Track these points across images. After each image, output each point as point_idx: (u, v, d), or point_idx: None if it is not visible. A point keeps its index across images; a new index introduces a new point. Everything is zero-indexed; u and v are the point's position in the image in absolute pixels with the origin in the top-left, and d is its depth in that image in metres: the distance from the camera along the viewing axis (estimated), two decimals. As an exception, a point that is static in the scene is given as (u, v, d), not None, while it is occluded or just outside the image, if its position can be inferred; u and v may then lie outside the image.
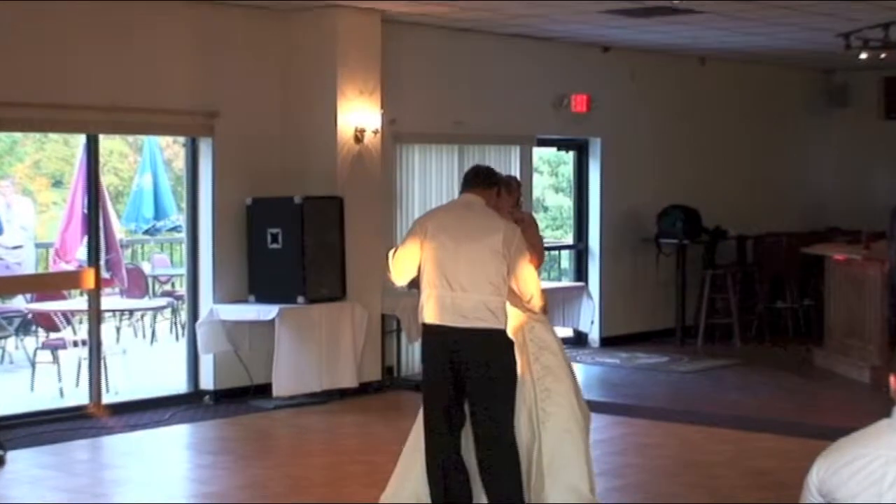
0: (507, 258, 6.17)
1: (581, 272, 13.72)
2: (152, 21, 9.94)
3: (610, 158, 13.83)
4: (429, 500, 6.34)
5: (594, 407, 7.18)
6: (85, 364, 10.25)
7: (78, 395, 10.25)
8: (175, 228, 14.78)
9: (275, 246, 10.31)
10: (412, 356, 11.73)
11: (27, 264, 13.14)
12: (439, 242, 6.22)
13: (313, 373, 10.28)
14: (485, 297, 6.13)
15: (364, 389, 10.79)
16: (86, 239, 10.61)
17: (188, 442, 9.41)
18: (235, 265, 10.51)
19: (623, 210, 13.96)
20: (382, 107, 10.95)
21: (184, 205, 11.02)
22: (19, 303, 12.32)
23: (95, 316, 10.02)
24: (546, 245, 7.99)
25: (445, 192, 12.08)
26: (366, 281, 10.84)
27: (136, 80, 9.86)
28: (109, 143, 16.97)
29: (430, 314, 6.24)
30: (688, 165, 14.64)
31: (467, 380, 6.17)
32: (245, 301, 10.44)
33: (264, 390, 10.28)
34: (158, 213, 14.62)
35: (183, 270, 11.53)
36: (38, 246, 13.64)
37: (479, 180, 6.47)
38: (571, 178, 14.21)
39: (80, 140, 10.72)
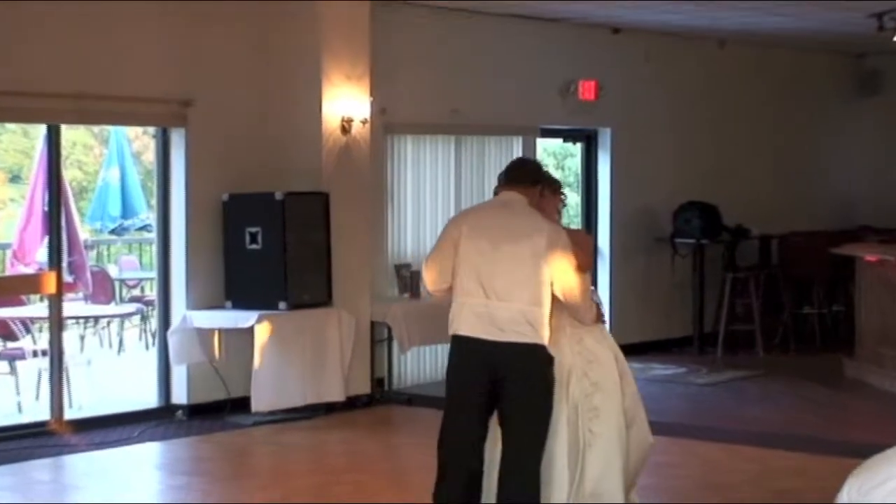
0: (550, 264, 6.07)
1: (591, 274, 13.70)
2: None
3: (621, 150, 13.83)
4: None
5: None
6: (45, 376, 10.23)
7: (38, 410, 10.23)
8: (144, 228, 14.78)
9: (254, 246, 10.30)
10: (404, 367, 11.73)
11: (-18, 267, 13.14)
12: (475, 245, 6.11)
13: (296, 386, 10.27)
14: (524, 307, 6.04)
15: (352, 404, 10.77)
16: (46, 239, 10.60)
17: (159, 462, 9.39)
18: (211, 268, 10.50)
19: (635, 207, 13.97)
20: (372, 94, 10.95)
21: (154, 202, 11.00)
22: (-27, 309, 12.31)
23: (57, 323, 10.00)
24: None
25: (441, 188, 12.08)
26: (354, 285, 10.83)
27: (101, 65, 9.85)
28: (72, 134, 16.96)
29: (462, 325, 6.14)
30: (706, 158, 14.64)
31: (501, 398, 6.10)
32: (221, 307, 10.43)
33: (242, 405, 10.26)
34: (126, 210, 14.61)
35: (153, 274, 11.51)
36: (-7, 247, 13.64)
37: (522, 176, 6.36)
38: (579, 171, 14.21)
39: (41, 131, 10.70)
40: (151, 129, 10.96)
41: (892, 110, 16.15)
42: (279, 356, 10.18)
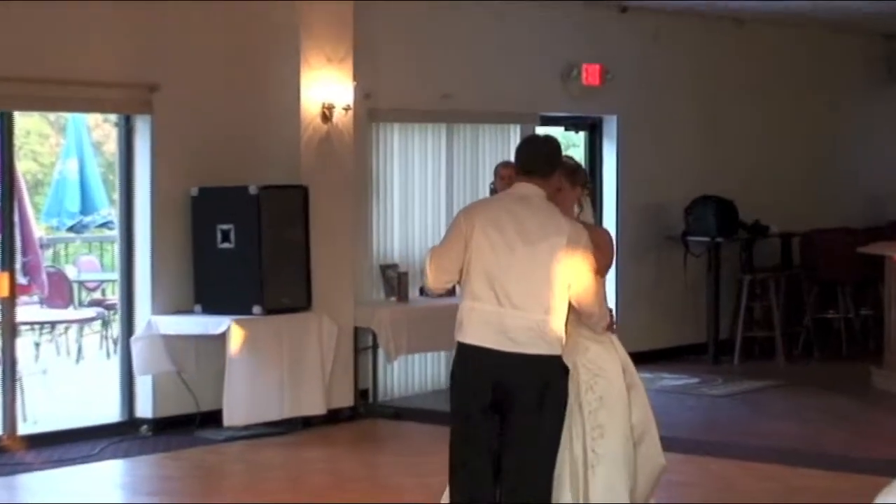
0: (568, 267, 6.02)
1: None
2: (78, -25, 9.93)
3: (628, 140, 13.83)
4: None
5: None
6: (-3, 388, 10.23)
7: (-11, 426, 10.23)
8: (106, 225, 14.74)
9: (226, 245, 10.29)
10: (391, 378, 11.72)
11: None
12: (488, 244, 6.05)
13: (272, 398, 10.27)
14: (540, 316, 6.00)
15: (333, 418, 10.77)
16: (-2, 237, 10.58)
17: (122, 481, 9.39)
18: (178, 269, 10.49)
19: (644, 202, 13.97)
20: (355, 78, 10.94)
21: (116, 196, 10.98)
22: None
23: (9, 329, 9.97)
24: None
25: (431, 181, 12.07)
26: (335, 287, 10.82)
27: (57, 45, 9.82)
28: (26, 122, 16.91)
29: (469, 333, 6.07)
30: (721, 149, 14.64)
31: (508, 415, 6.06)
32: (190, 312, 10.42)
33: (213, 419, 10.25)
34: (86, 206, 14.58)
35: (115, 275, 11.50)
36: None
37: (539, 163, 6.20)
38: (582, 163, 14.19)
39: (-9, 118, 10.68)
40: (113, 117, 10.93)
41: (924, 96, 16.20)
42: (254, 365, 10.16)
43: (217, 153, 10.62)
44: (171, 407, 10.47)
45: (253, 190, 10.21)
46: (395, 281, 11.51)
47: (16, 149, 10.58)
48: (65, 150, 14.75)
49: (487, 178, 11.81)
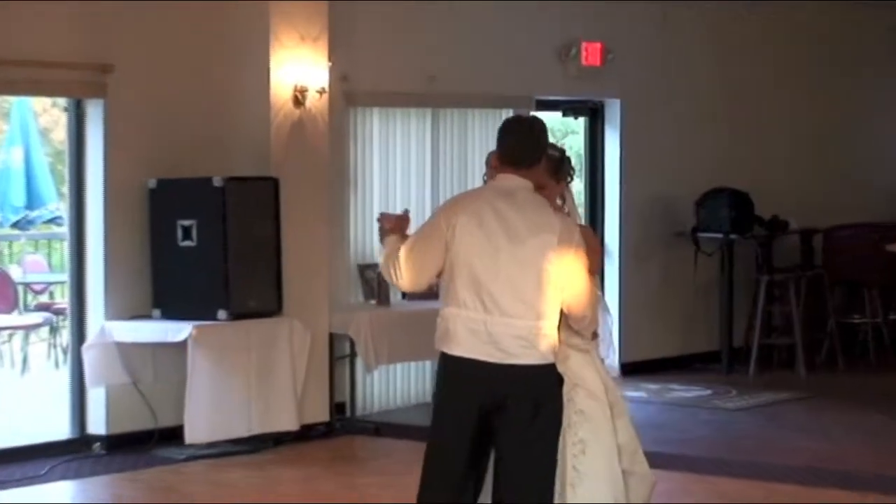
0: (560, 268, 6.00)
1: (595, 277, 13.74)
2: (23, -57, 9.91)
3: (632, 126, 13.84)
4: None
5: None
6: (-67, 401, 10.22)
7: (-76, 443, 10.22)
8: (54, 221, 14.73)
9: (187, 243, 10.28)
10: (371, 390, 11.72)
11: None
12: (473, 244, 6.02)
13: (239, 412, 10.25)
14: (532, 322, 5.99)
15: (306, 434, 10.77)
16: (-66, 235, 10.57)
17: (72, 505, 9.36)
18: (135, 269, 10.47)
19: (650, 194, 13.98)
20: (330, 58, 10.93)
21: (66, 189, 10.97)
22: None
23: (-53, 337, 9.97)
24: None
25: (415, 172, 12.07)
26: (309, 290, 10.82)
27: None
28: (-34, 108, 16.91)
29: (454, 343, 6.06)
30: (736, 136, 14.66)
31: (500, 433, 6.06)
32: (148, 317, 10.41)
33: (173, 436, 10.24)
34: (32, 200, 14.57)
35: (65, 276, 11.47)
36: None
37: (524, 152, 6.13)
38: (582, 152, 14.22)
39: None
40: (62, 101, 10.91)
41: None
42: (218, 376, 10.15)
43: (178, 141, 10.60)
44: (127, 422, 10.45)
45: (217, 182, 10.20)
46: (375, 282, 11.49)
47: (-47, 137, 10.58)
48: (8, 138, 14.72)
49: (477, 168, 11.80)
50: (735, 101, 14.67)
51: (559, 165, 6.46)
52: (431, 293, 7.46)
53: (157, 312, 10.40)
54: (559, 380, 6.14)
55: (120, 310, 10.42)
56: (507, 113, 12.53)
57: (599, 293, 6.47)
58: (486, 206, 6.10)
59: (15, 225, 14.92)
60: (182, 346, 10.06)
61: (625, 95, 13.79)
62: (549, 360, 6.05)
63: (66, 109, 10.71)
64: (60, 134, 13.44)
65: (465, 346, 6.03)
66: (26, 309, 14.46)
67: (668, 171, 14.06)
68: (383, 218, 6.43)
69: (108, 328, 10.28)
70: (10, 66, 9.87)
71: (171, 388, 10.33)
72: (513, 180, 6.14)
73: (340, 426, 11.22)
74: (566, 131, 16.73)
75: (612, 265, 13.81)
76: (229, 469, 9.97)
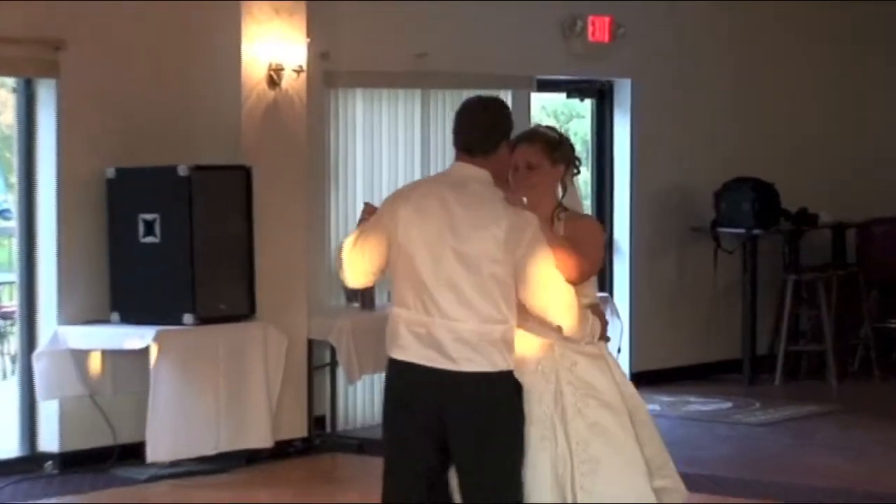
0: (512, 264, 6.00)
1: (603, 277, 13.73)
2: None
3: (644, 109, 13.86)
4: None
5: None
6: None
7: None
8: (1, 214, 14.73)
9: (150, 239, 10.29)
10: (353, 402, 11.73)
11: None
12: (413, 242, 6.05)
13: (207, 427, 10.26)
14: (478, 325, 5.99)
15: (282, 451, 10.79)
16: None
17: (21, 530, 9.39)
18: (91, 268, 10.48)
19: (664, 185, 14.00)
20: (309, 34, 10.94)
21: (14, 179, 10.97)
22: None
23: None
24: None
25: (403, 159, 12.07)
26: (285, 291, 10.82)
27: (-59, -6, 9.82)
28: None
29: (397, 346, 6.12)
30: (760, 119, 14.68)
31: (452, 444, 6.08)
32: (106, 322, 10.41)
33: (134, 453, 10.24)
34: (-24, 191, 14.59)
35: (13, 276, 11.47)
36: None
37: (481, 136, 6.10)
38: (588, 137, 14.24)
39: None
40: (10, 81, 10.91)
41: None
42: (184, 388, 10.16)
43: (138, 125, 10.61)
44: (82, 439, 10.46)
45: (183, 171, 10.21)
46: (359, 283, 11.50)
47: None
48: (-50, 123, 14.74)
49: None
50: (759, 81, 14.69)
51: (556, 146, 6.38)
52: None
53: (115, 316, 10.40)
54: (517, 389, 6.12)
55: (74, 313, 10.43)
56: (506, 95, 12.59)
57: (598, 295, 6.45)
58: (432, 199, 6.11)
59: (-42, 219, 14.96)
60: (144, 353, 10.06)
61: (636, 75, 13.80)
62: (501, 367, 6.04)
63: (14, 90, 10.72)
64: (8, 118, 13.44)
65: (409, 350, 6.09)
66: (-30, 313, 14.46)
67: (683, 159, 14.08)
68: (369, 209, 6.42)
69: (61, 334, 10.28)
70: (-48, 42, 9.89)
71: (131, 401, 10.33)
72: (466, 169, 6.14)
73: (320, 442, 11.24)
74: (571, 115, 16.75)
75: (622, 264, 13.83)
76: (196, 490, 9.98)
